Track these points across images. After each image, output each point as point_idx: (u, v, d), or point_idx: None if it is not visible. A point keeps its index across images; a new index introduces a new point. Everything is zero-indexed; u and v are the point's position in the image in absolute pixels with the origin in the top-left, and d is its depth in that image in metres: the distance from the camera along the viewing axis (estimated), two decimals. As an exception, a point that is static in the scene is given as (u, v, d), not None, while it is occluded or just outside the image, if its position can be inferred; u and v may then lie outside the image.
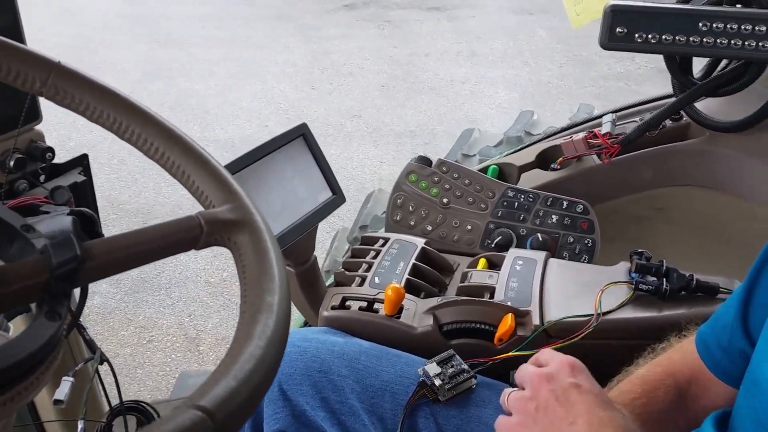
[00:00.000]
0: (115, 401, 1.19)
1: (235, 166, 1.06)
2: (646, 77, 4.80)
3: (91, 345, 1.33)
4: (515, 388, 0.75)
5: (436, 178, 1.27)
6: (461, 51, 5.27)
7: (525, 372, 0.75)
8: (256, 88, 4.70)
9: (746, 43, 1.24)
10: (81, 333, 1.32)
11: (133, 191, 3.75)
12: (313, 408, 0.96)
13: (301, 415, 0.97)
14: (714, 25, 1.24)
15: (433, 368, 0.94)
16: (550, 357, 0.75)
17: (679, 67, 1.38)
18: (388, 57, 5.18)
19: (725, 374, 0.80)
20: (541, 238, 1.20)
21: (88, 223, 1.11)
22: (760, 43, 1.24)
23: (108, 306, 3.06)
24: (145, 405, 1.43)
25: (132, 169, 3.91)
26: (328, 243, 2.43)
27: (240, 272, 0.59)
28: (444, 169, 1.28)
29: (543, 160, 1.49)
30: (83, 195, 1.28)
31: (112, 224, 3.48)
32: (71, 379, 0.96)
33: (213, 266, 3.19)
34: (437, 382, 0.92)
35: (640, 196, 1.45)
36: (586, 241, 1.21)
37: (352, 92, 4.67)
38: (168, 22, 5.77)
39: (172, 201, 3.62)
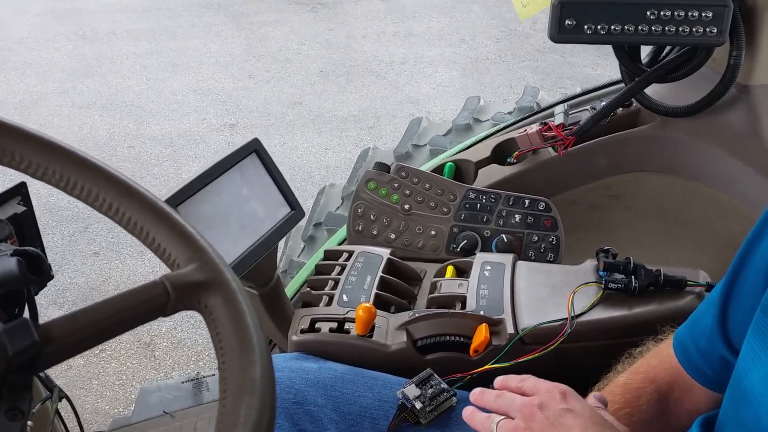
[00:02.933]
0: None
1: (189, 190, 1.01)
2: (579, 48, 4.85)
3: (46, 383, 1.27)
4: (502, 416, 0.73)
5: (395, 184, 1.24)
6: (398, 31, 5.23)
7: (512, 401, 0.73)
8: (190, 79, 4.57)
9: (694, 29, 1.24)
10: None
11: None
12: (291, 440, 0.93)
13: (280, 448, 0.94)
14: (662, 13, 1.24)
15: (412, 390, 0.92)
16: (535, 385, 0.74)
17: (627, 55, 1.38)
18: (324, 41, 5.10)
19: (707, 379, 0.80)
20: (506, 239, 1.19)
21: (34, 263, 1.05)
22: (707, 29, 1.25)
23: (54, 318, 2.96)
24: (109, 438, 1.38)
25: (67, 174, 3.76)
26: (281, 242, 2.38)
27: (215, 340, 0.55)
28: (403, 174, 1.25)
29: (499, 155, 1.48)
30: (26, 228, 1.21)
31: (52, 232, 3.35)
32: (29, 423, 0.91)
33: (162, 268, 3.11)
34: (418, 405, 0.90)
35: (596, 185, 1.46)
36: (550, 239, 1.20)
37: (291, 79, 4.58)
38: (91, 16, 5.54)
39: (113, 204, 3.49)
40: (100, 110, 4.20)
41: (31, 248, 1.07)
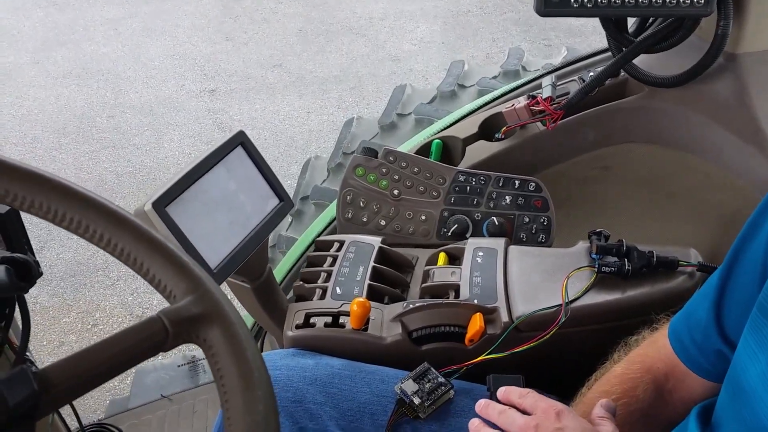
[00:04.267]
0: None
1: (176, 190, 1.00)
2: None
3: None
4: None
5: (384, 170, 1.23)
6: (377, -15, 5.13)
7: (513, 421, 0.75)
8: (167, 44, 4.47)
9: (681, 0, 1.22)
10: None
11: (52, 169, 3.51)
12: (292, 439, 0.94)
13: (281, 447, 0.95)
14: (649, -16, 1.21)
15: (410, 386, 0.92)
16: (534, 404, 0.75)
17: (615, 26, 1.35)
18: (302, -2, 4.99)
19: (703, 370, 0.81)
20: (497, 222, 1.18)
21: (23, 269, 1.03)
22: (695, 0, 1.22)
23: (44, 294, 2.95)
24: (108, 426, 1.39)
25: (48, 146, 3.71)
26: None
27: (216, 376, 0.54)
28: (391, 158, 1.23)
29: (486, 130, 1.46)
30: (11, 227, 1.18)
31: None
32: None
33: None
34: (416, 400, 0.91)
35: (585, 158, 1.45)
36: (541, 220, 1.19)
37: (270, 40, 4.50)
38: (60, -21, 5.38)
39: (96, 176, 3.46)
40: (77, 80, 4.11)
41: (19, 255, 1.05)
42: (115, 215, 0.61)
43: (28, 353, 1.25)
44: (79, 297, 2.91)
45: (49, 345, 2.74)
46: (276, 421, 0.51)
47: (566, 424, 0.70)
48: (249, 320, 1.30)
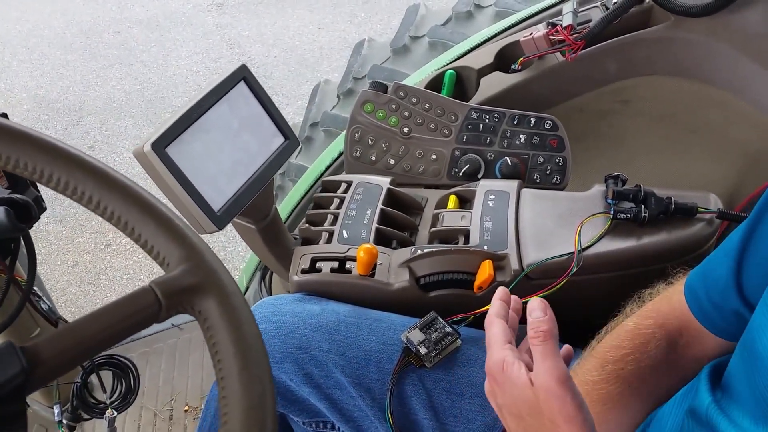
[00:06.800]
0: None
1: (175, 129, 0.96)
2: None
3: (48, 315, 1.27)
4: None
5: (393, 106, 1.18)
6: None
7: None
8: (172, -46, 4.31)
9: None
10: (34, 305, 1.25)
11: (60, 87, 3.51)
12: (298, 384, 0.93)
13: (287, 392, 0.95)
14: None
15: (416, 335, 0.91)
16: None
17: (643, -51, 1.27)
18: None
19: (718, 329, 0.78)
20: (510, 163, 1.14)
21: (23, 211, 1.01)
22: None
23: (57, 214, 2.96)
24: (118, 358, 1.40)
25: (55, 63, 3.65)
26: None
27: (211, 350, 0.52)
28: (401, 93, 1.18)
29: (502, 61, 1.39)
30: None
31: (45, 126, 3.28)
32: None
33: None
34: (422, 350, 0.89)
35: (606, 90, 1.39)
36: (557, 160, 1.15)
37: (279, -50, 4.32)
38: None
39: (104, 94, 3.41)
40: (83, -7, 4.00)
41: (18, 195, 1.03)
42: (104, 175, 0.58)
43: (35, 288, 1.25)
44: (92, 217, 2.92)
45: (63, 265, 2.77)
46: (272, 402, 0.50)
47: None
48: (255, 259, 1.28)
